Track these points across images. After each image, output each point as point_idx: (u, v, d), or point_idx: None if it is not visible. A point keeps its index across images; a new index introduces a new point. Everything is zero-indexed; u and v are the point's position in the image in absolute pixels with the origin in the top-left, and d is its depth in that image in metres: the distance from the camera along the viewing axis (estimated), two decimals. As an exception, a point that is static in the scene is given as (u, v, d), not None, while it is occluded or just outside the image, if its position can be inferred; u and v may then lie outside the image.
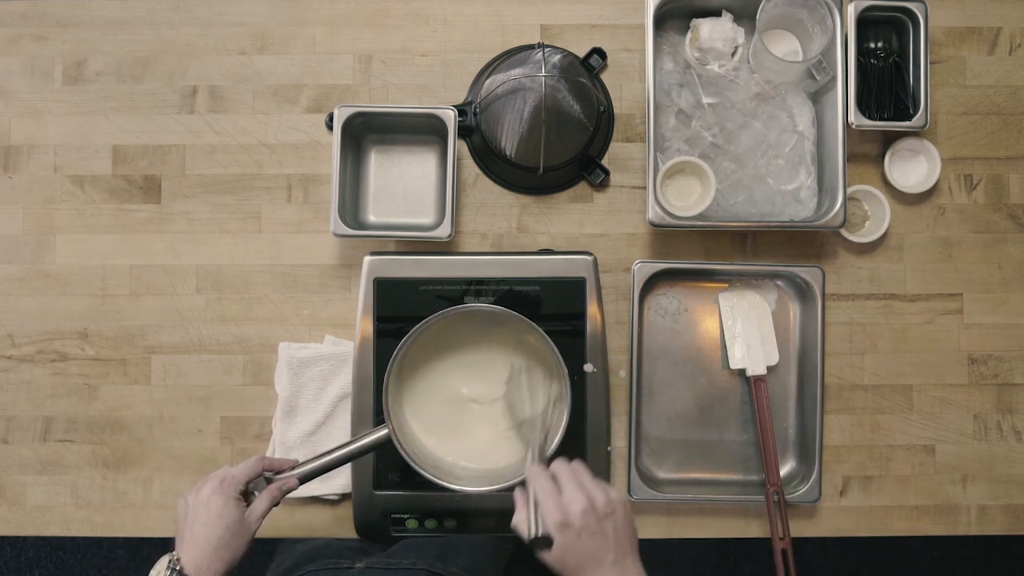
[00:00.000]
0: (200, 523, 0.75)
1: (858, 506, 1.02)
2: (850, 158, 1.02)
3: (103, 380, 1.03)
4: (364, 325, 0.95)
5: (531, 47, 0.99)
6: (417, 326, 0.84)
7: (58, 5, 1.05)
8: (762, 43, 0.95)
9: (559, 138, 0.96)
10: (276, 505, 0.80)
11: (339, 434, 1.00)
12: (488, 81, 0.97)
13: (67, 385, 1.03)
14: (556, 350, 0.83)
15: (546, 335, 0.83)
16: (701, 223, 0.97)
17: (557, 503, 0.71)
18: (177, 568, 0.73)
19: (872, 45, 1.03)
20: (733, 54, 1.00)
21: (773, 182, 1.00)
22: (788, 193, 1.00)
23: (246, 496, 0.80)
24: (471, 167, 1.05)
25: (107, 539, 1.79)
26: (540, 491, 0.73)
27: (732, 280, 1.03)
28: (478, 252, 1.03)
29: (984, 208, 1.04)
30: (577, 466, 0.75)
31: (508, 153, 0.97)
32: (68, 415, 1.03)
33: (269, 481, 0.81)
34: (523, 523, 0.73)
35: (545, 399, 0.88)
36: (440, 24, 1.06)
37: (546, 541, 0.71)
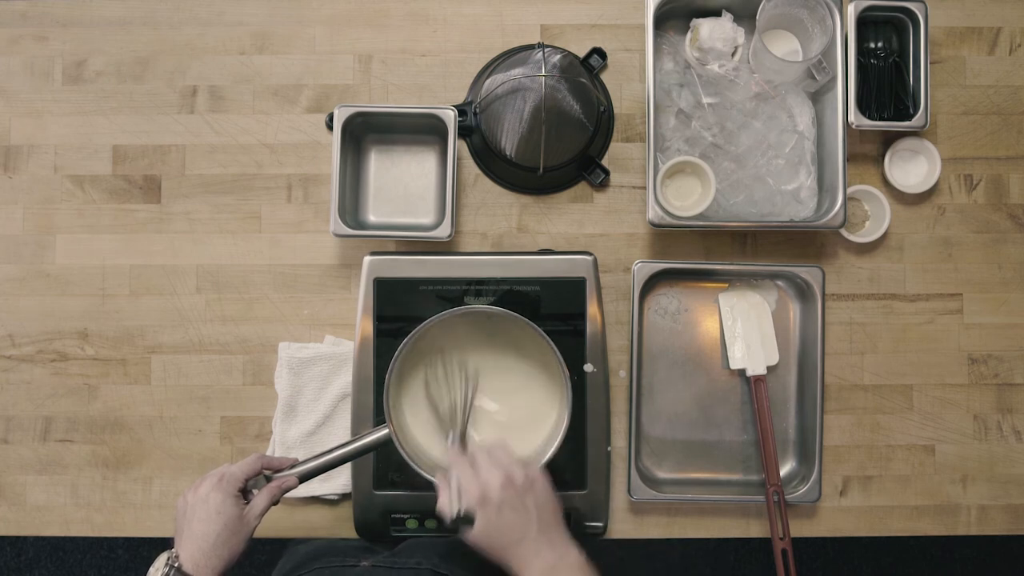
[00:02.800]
0: (199, 520, 0.75)
1: (858, 506, 1.02)
2: (850, 158, 1.02)
3: (103, 380, 1.03)
4: (364, 325, 0.96)
5: (531, 47, 0.99)
6: (418, 327, 0.84)
7: (58, 5, 1.05)
8: (762, 43, 0.95)
9: (559, 138, 0.96)
10: (275, 504, 0.80)
11: (339, 434, 1.00)
12: (488, 81, 0.97)
13: (67, 385, 1.03)
14: (556, 350, 0.83)
15: (546, 335, 0.83)
16: (701, 223, 0.97)
17: (475, 480, 0.73)
18: (176, 565, 0.73)
19: (872, 45, 1.03)
20: (733, 54, 1.00)
21: (773, 182, 1.00)
22: (788, 193, 1.00)
23: (245, 494, 0.80)
24: (471, 167, 1.05)
25: (107, 539, 1.79)
26: (459, 472, 0.74)
27: (732, 280, 1.03)
28: (478, 252, 1.03)
29: (984, 208, 1.04)
30: (494, 446, 0.77)
31: (508, 153, 0.97)
32: (68, 415, 1.03)
33: (268, 479, 0.81)
34: (445, 505, 0.74)
35: (462, 384, 0.89)
36: (440, 24, 1.06)
37: (469, 520, 0.72)
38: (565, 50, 0.98)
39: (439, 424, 0.87)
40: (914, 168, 1.04)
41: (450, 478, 0.75)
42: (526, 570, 0.71)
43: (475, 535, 0.72)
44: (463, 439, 0.83)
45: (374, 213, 1.04)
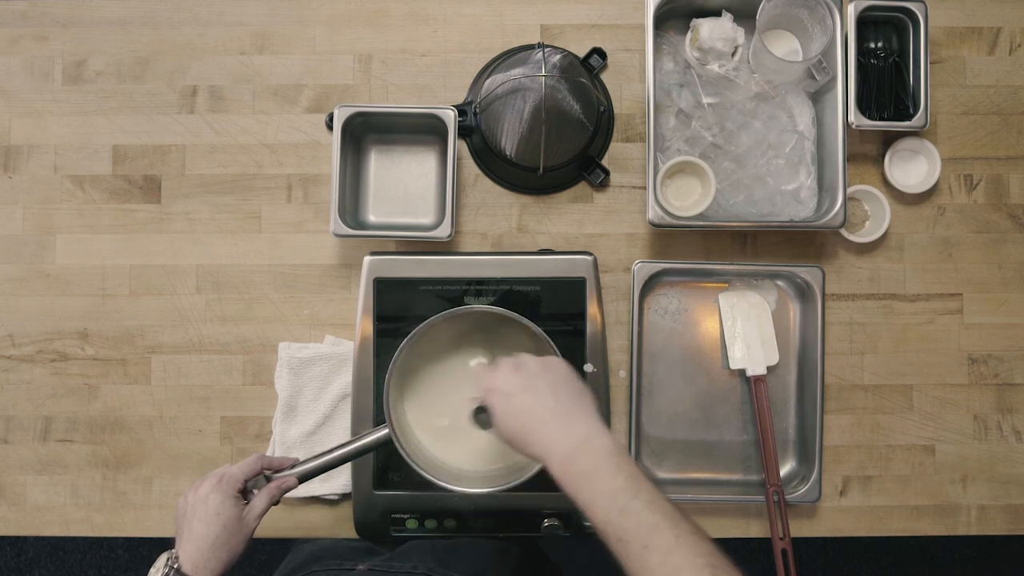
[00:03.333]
0: (198, 521, 0.75)
1: (858, 506, 1.02)
2: (850, 158, 1.02)
3: (103, 380, 1.03)
4: (364, 325, 0.95)
5: (531, 47, 0.99)
6: (419, 327, 0.83)
7: (58, 5, 1.05)
8: (762, 43, 0.95)
9: (559, 138, 0.96)
10: (275, 504, 0.80)
11: (339, 434, 1.00)
12: (488, 81, 0.97)
13: (67, 385, 1.03)
14: (557, 351, 0.83)
15: (547, 336, 0.83)
16: (701, 223, 0.97)
17: (487, 375, 0.71)
18: (175, 566, 0.73)
19: (872, 45, 1.03)
20: (733, 54, 1.00)
21: (773, 182, 1.00)
22: (788, 193, 1.00)
23: (245, 494, 0.80)
24: (471, 167, 1.05)
25: (107, 539, 1.79)
26: (480, 375, 0.73)
27: (732, 280, 1.03)
28: (478, 252, 1.03)
29: (984, 208, 1.04)
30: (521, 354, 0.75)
31: (508, 153, 0.97)
32: (68, 415, 1.03)
33: (268, 480, 0.81)
34: (472, 411, 0.74)
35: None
36: (440, 24, 1.06)
37: (486, 415, 0.70)
38: (565, 50, 0.98)
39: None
40: (914, 168, 1.04)
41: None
42: (548, 459, 0.65)
43: (495, 428, 0.69)
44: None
45: (374, 213, 1.04)
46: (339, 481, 0.99)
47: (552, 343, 0.83)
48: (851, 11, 0.98)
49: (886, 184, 1.04)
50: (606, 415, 0.96)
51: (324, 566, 0.83)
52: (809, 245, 1.04)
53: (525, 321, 0.84)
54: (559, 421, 0.66)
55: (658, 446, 1.01)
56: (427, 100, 1.05)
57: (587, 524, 0.95)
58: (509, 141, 0.96)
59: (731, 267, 1.01)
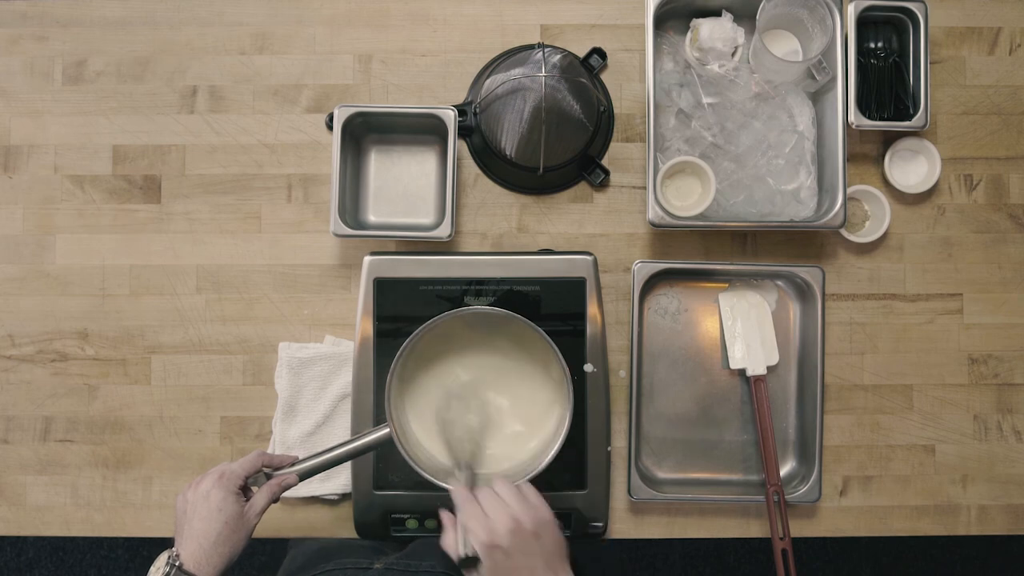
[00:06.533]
0: (199, 518, 0.75)
1: (858, 506, 1.02)
2: (850, 158, 1.02)
3: (103, 380, 1.03)
4: (364, 325, 0.95)
5: (531, 47, 0.99)
6: (419, 329, 0.83)
7: (58, 5, 1.05)
8: (762, 43, 0.96)
9: (559, 138, 0.96)
10: (275, 501, 0.80)
11: (339, 434, 1.00)
12: (488, 81, 0.97)
13: (67, 385, 1.03)
14: (557, 351, 0.83)
15: (547, 336, 0.83)
16: (701, 223, 0.97)
17: (484, 525, 0.71)
18: (177, 564, 0.73)
19: (872, 45, 1.03)
20: (733, 54, 1.00)
21: (773, 182, 1.00)
22: (788, 193, 1.00)
23: (245, 491, 0.80)
24: (471, 167, 1.05)
25: (107, 539, 1.79)
26: (466, 514, 0.73)
27: (732, 280, 1.03)
28: (478, 252, 1.03)
29: (984, 208, 1.05)
30: (502, 486, 0.75)
31: (508, 153, 0.98)
32: (68, 415, 1.03)
33: (268, 477, 0.81)
34: (451, 545, 0.73)
35: (479, 420, 0.88)
36: (440, 24, 1.06)
37: (475, 561, 0.71)
38: (565, 50, 0.98)
39: (446, 448, 0.86)
40: (914, 168, 1.04)
41: (457, 517, 0.74)
42: None
43: None
44: (470, 477, 0.80)
45: (374, 213, 1.04)
46: (339, 481, 0.99)
47: (553, 344, 0.83)
48: (851, 11, 0.98)
49: (886, 184, 1.04)
50: (606, 415, 0.96)
51: (339, 564, 0.83)
52: (809, 245, 1.04)
53: (526, 322, 0.84)
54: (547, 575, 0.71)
55: (658, 446, 1.02)
56: (427, 100, 1.05)
57: (592, 524, 0.96)
58: (509, 141, 0.96)
59: (731, 267, 1.01)
